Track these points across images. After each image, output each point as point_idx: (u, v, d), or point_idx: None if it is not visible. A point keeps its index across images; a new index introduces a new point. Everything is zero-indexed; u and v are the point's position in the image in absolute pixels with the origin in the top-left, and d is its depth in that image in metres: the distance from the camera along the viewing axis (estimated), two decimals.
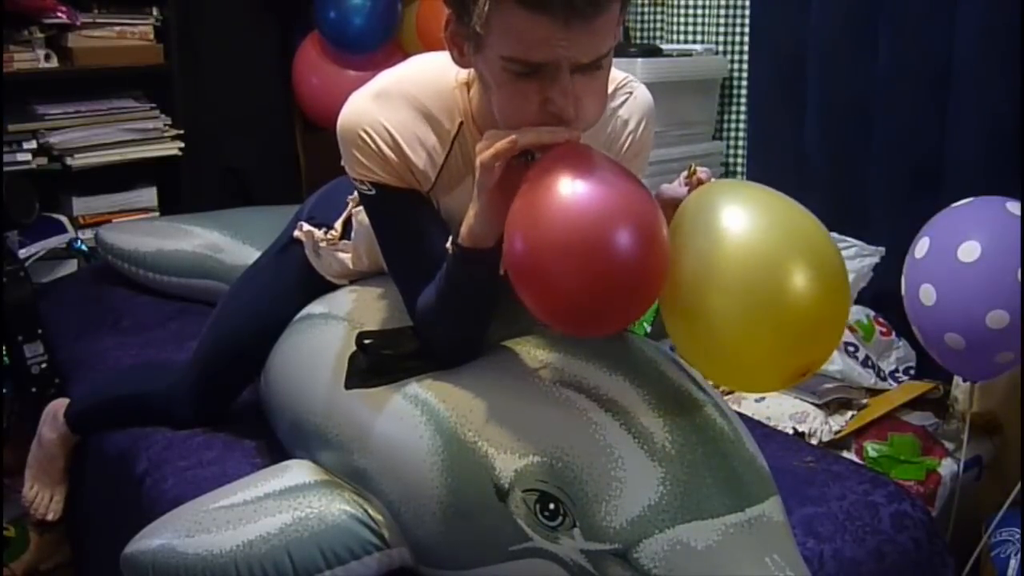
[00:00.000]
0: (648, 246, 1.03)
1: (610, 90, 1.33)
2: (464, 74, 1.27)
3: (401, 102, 1.26)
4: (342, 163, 1.31)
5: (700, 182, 1.18)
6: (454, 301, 1.23)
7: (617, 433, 1.14)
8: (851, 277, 2.13)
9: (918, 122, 2.15)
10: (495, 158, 1.11)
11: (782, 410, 1.97)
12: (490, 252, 1.17)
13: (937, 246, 1.62)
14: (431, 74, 1.29)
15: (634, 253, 1.02)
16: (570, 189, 1.03)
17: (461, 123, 1.27)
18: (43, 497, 1.95)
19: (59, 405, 1.93)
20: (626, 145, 1.37)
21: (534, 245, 1.04)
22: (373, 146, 1.24)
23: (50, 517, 1.96)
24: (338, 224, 1.56)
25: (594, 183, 1.05)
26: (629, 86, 1.37)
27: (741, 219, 1.08)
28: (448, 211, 1.33)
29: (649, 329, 2.17)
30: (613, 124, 1.36)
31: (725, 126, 2.73)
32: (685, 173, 1.20)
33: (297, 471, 1.41)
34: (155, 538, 1.35)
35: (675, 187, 1.20)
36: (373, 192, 1.29)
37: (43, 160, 2.75)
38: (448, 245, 1.21)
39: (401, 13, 3.08)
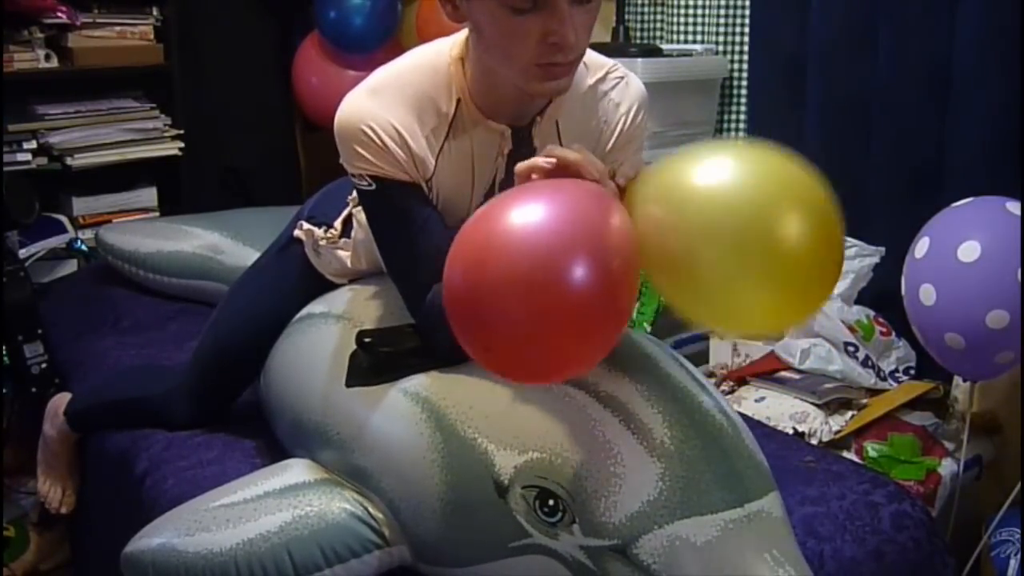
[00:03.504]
0: (595, 279, 0.96)
1: (600, 74, 1.36)
2: (458, 50, 1.28)
3: (397, 93, 1.27)
4: (341, 161, 1.31)
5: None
6: None
7: (616, 429, 1.14)
8: (851, 277, 2.15)
9: (918, 122, 2.15)
10: (531, 169, 1.11)
11: (782, 410, 1.96)
12: None
13: (937, 246, 1.61)
14: (424, 58, 1.31)
15: (582, 287, 0.95)
16: (516, 220, 0.98)
17: (459, 100, 1.29)
18: (55, 492, 1.97)
19: (60, 401, 1.94)
20: (617, 130, 1.38)
21: (475, 280, 0.98)
22: (376, 140, 1.25)
23: (64, 510, 1.97)
24: (338, 222, 1.56)
25: (543, 212, 0.98)
26: (620, 71, 1.39)
27: (721, 168, 1.03)
28: (446, 199, 1.33)
29: (649, 329, 2.18)
30: (604, 107, 1.37)
31: (725, 126, 2.73)
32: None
33: (297, 469, 1.41)
34: (155, 537, 1.35)
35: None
36: (373, 187, 1.29)
37: (43, 160, 2.75)
38: None
39: (401, 13, 3.09)
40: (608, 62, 1.37)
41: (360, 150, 1.26)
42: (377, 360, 1.34)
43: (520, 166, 1.13)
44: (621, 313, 1.04)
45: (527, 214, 0.98)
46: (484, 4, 1.14)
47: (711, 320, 1.15)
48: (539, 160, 1.12)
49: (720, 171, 1.02)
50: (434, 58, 1.29)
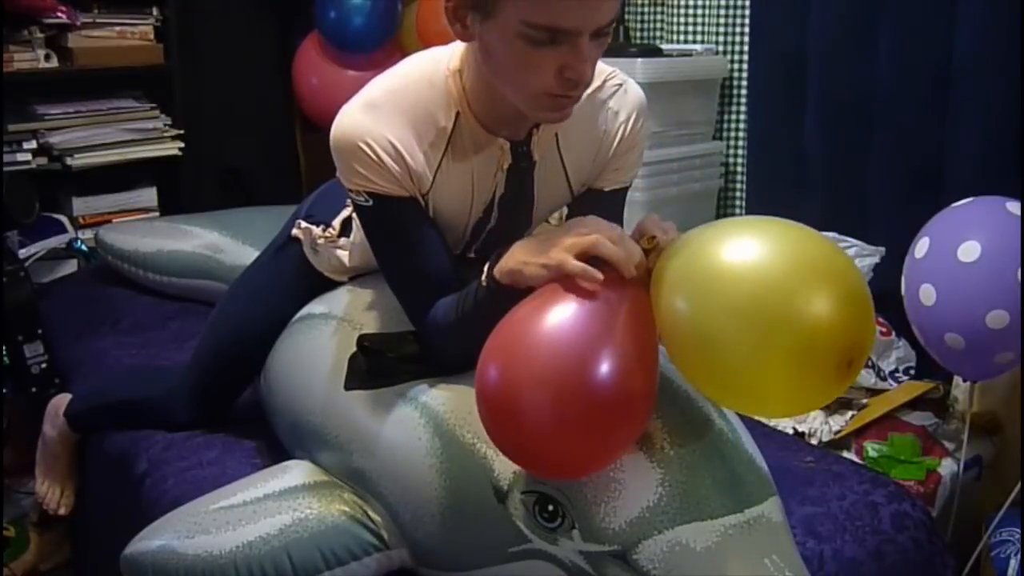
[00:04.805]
0: (615, 385, 1.02)
1: (597, 82, 1.33)
2: (456, 62, 1.27)
3: (394, 108, 1.25)
4: (337, 175, 1.31)
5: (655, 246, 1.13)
6: (475, 326, 1.17)
7: None
8: None
9: (918, 122, 2.15)
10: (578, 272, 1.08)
11: None
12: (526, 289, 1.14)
13: (937, 246, 1.61)
14: (421, 70, 1.29)
15: (605, 390, 1.01)
16: (550, 322, 1.04)
17: (458, 114, 1.27)
18: (54, 492, 1.96)
19: (61, 401, 1.94)
20: (617, 138, 1.37)
21: (511, 377, 1.03)
22: (373, 157, 1.23)
23: (62, 511, 1.97)
24: (336, 222, 1.56)
25: (573, 322, 1.04)
26: (619, 78, 1.37)
27: (745, 246, 1.02)
28: (444, 213, 1.33)
29: None
30: (604, 116, 1.35)
31: (725, 126, 2.73)
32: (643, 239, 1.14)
33: (297, 472, 1.41)
34: (155, 539, 1.35)
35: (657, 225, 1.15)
36: (370, 203, 1.27)
37: (43, 160, 2.75)
38: (483, 279, 1.19)
39: (401, 13, 3.08)
40: (605, 69, 1.35)
41: (357, 167, 1.25)
42: (377, 364, 1.34)
43: (574, 271, 1.08)
44: (641, 414, 1.08)
45: (555, 326, 1.04)
46: (499, 32, 1.11)
47: (735, 404, 1.14)
48: (587, 272, 1.08)
49: (745, 251, 1.02)
50: (431, 70, 1.27)
